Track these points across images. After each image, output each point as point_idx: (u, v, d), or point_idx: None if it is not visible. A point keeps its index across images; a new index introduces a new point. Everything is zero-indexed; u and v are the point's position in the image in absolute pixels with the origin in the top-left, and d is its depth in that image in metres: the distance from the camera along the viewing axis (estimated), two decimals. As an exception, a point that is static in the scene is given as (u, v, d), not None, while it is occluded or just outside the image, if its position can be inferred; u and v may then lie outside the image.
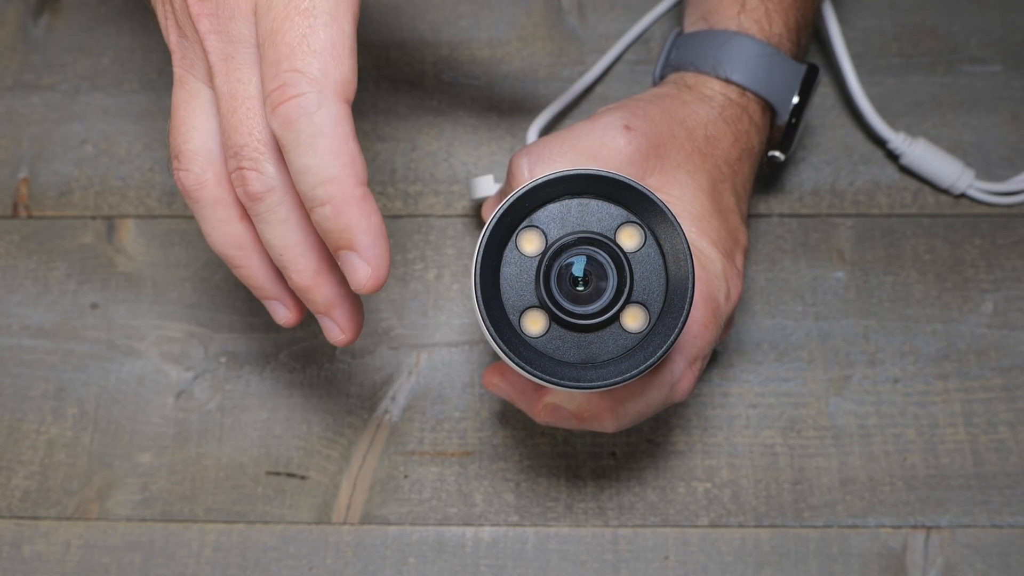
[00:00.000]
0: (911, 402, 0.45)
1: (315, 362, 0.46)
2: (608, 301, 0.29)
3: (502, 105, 0.51)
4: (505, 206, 0.29)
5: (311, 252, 0.31)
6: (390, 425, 0.45)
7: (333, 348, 0.46)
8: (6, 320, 0.47)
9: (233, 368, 0.46)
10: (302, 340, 0.46)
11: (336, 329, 0.33)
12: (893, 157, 0.49)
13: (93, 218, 0.49)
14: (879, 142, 0.49)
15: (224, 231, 0.32)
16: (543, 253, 0.29)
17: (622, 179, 0.29)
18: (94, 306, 0.47)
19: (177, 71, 0.32)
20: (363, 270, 0.29)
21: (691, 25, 0.43)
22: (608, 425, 0.36)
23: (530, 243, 0.29)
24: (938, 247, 0.48)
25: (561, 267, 0.29)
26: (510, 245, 0.30)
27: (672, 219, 0.29)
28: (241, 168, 0.30)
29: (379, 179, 0.49)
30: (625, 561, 0.42)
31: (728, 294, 0.37)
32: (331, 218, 0.28)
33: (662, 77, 0.43)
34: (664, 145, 0.37)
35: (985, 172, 0.49)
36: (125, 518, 0.43)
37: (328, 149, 0.28)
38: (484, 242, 0.29)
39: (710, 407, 0.45)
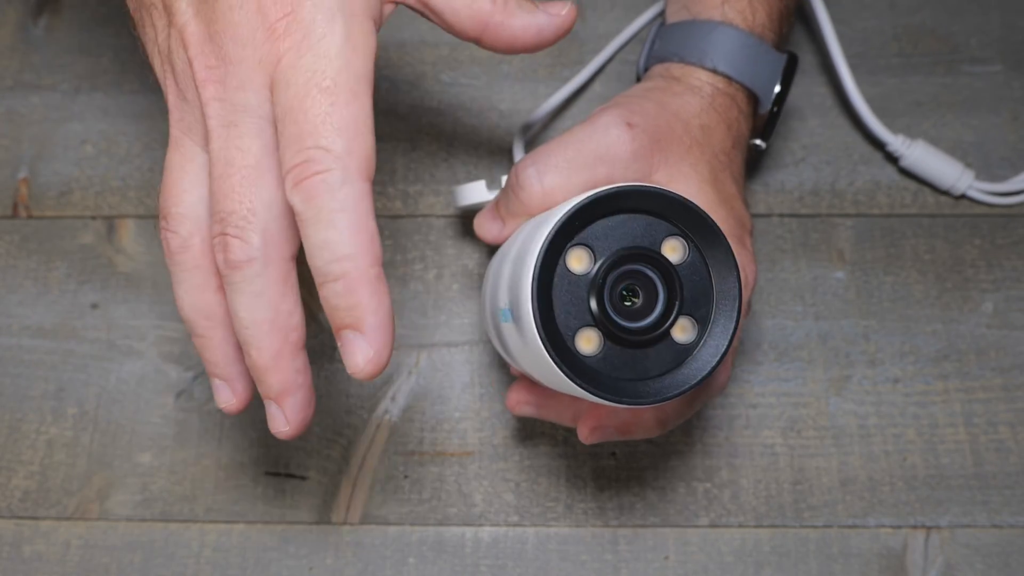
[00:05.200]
0: (911, 402, 0.45)
1: (315, 362, 0.46)
2: (660, 315, 0.29)
3: (502, 105, 0.51)
4: (558, 225, 0.28)
5: (276, 333, 0.30)
6: (390, 425, 0.45)
7: (333, 348, 0.46)
8: (6, 320, 0.47)
9: (233, 368, 0.46)
10: (302, 340, 0.46)
11: (281, 419, 0.31)
12: (893, 159, 0.49)
13: (93, 218, 0.49)
14: (878, 144, 0.49)
15: (197, 298, 0.32)
16: (594, 271, 0.29)
17: (673, 195, 0.29)
18: (94, 306, 0.47)
19: (174, 131, 0.32)
20: (364, 352, 0.28)
21: (673, 15, 0.43)
22: (653, 431, 0.37)
23: (579, 261, 0.29)
24: (938, 247, 0.48)
25: (612, 284, 0.29)
26: (559, 264, 0.29)
27: (717, 231, 0.30)
28: (226, 234, 0.29)
29: (379, 179, 0.49)
30: (625, 561, 0.42)
31: (746, 280, 0.37)
32: (342, 295, 0.28)
33: (646, 68, 0.43)
34: (664, 139, 0.37)
35: (985, 172, 0.49)
36: (125, 518, 0.43)
37: (348, 225, 0.27)
38: (539, 263, 0.28)
39: (710, 407, 0.45)
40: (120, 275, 0.48)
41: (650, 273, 0.30)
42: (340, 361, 0.46)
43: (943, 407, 0.45)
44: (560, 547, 0.43)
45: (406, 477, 0.44)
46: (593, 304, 0.29)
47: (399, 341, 0.46)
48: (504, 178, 0.41)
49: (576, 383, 0.28)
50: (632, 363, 0.29)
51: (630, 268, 0.29)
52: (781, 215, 0.49)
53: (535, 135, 0.50)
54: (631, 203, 0.29)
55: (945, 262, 0.47)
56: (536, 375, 0.33)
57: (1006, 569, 0.42)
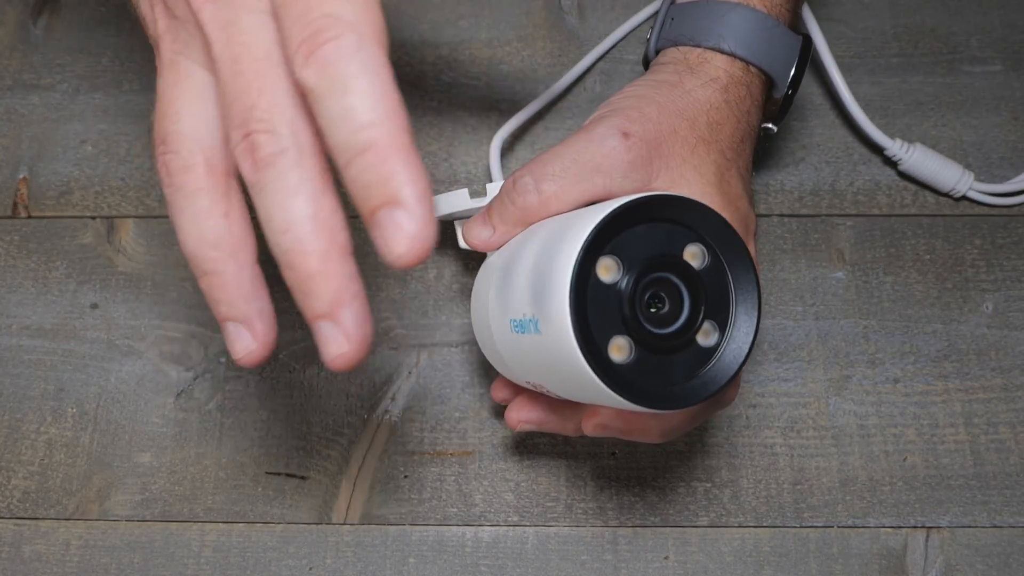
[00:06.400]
0: (911, 402, 0.45)
1: (315, 362, 0.46)
2: (686, 320, 0.30)
3: (502, 105, 0.51)
4: (592, 236, 0.29)
5: (322, 231, 0.26)
6: (390, 425, 0.45)
7: (333, 348, 0.46)
8: (6, 320, 0.47)
9: (233, 368, 0.46)
10: (302, 340, 0.46)
11: (340, 338, 0.26)
12: (892, 163, 0.49)
13: (93, 218, 0.49)
14: (877, 149, 0.49)
15: (203, 225, 0.28)
16: (624, 280, 0.30)
17: (697, 204, 0.30)
18: (94, 306, 0.47)
19: (167, 55, 0.29)
20: (406, 230, 0.24)
21: None
22: (655, 439, 0.37)
23: (607, 270, 0.30)
24: (938, 247, 0.48)
25: (640, 292, 0.30)
26: (591, 275, 0.29)
27: (736, 237, 0.31)
28: (251, 132, 0.26)
29: (379, 179, 0.49)
30: (625, 561, 0.42)
31: None
32: (373, 167, 0.24)
33: (658, 51, 0.42)
34: (666, 143, 0.37)
35: (985, 172, 0.49)
36: (125, 518, 0.43)
37: (370, 89, 0.24)
38: (575, 274, 0.29)
39: (710, 407, 0.45)
40: (120, 275, 0.48)
41: (675, 280, 0.30)
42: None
43: (943, 407, 0.45)
44: (560, 547, 0.43)
45: (406, 477, 0.44)
46: (625, 312, 0.29)
47: (399, 341, 0.46)
48: (490, 186, 0.41)
49: (614, 392, 0.29)
50: (659, 369, 0.30)
51: (657, 276, 0.30)
52: (781, 215, 0.49)
53: (513, 140, 0.50)
54: (654, 212, 0.30)
55: (945, 262, 0.47)
56: (555, 386, 0.33)
57: (1006, 569, 0.42)
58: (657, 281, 0.30)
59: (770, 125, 0.43)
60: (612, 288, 0.29)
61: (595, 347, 0.29)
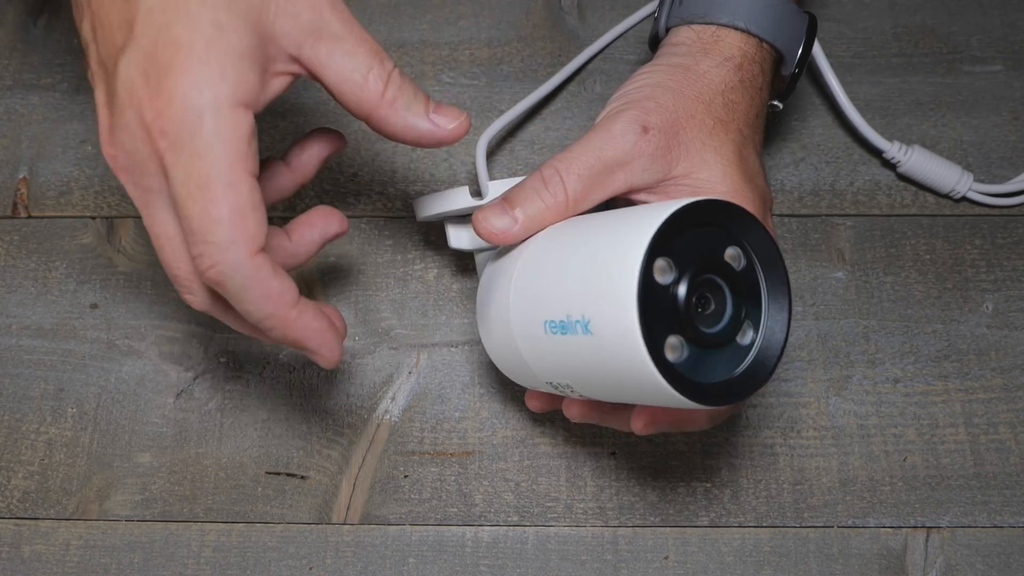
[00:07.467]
0: (911, 402, 0.45)
1: (312, 363, 0.46)
2: (730, 320, 0.32)
3: (502, 105, 0.51)
4: (655, 238, 0.29)
5: (277, 315, 0.32)
6: (390, 425, 0.45)
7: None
8: (6, 320, 0.47)
9: (233, 368, 0.46)
10: (302, 340, 0.46)
11: (322, 359, 0.34)
12: (891, 166, 0.49)
13: (93, 218, 0.49)
14: (876, 151, 0.49)
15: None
16: (677, 281, 0.31)
17: (742, 211, 0.32)
18: (94, 306, 0.47)
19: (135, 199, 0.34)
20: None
21: None
22: (705, 426, 0.39)
23: (661, 272, 0.30)
24: (938, 247, 0.48)
25: (691, 292, 0.31)
26: (650, 276, 0.30)
27: (773, 244, 0.32)
28: (181, 291, 0.34)
29: (379, 179, 0.49)
30: (625, 561, 0.42)
31: None
32: (280, 336, 0.33)
33: (668, 29, 0.42)
34: (684, 130, 0.37)
35: (985, 172, 0.49)
36: (125, 518, 0.43)
37: (256, 296, 0.31)
38: (641, 276, 0.29)
39: (710, 407, 0.45)
40: (120, 275, 0.48)
41: (720, 281, 0.32)
42: (340, 361, 0.46)
43: (943, 407, 0.45)
44: (560, 547, 0.43)
45: (406, 477, 0.44)
46: (680, 313, 0.30)
47: (399, 341, 0.46)
48: (491, 184, 0.40)
49: (676, 391, 0.29)
50: (705, 367, 0.31)
51: (705, 277, 0.31)
52: (781, 215, 0.49)
53: (513, 140, 0.50)
54: (702, 215, 0.31)
55: (945, 262, 0.48)
56: (592, 386, 0.33)
57: (1006, 569, 0.42)
58: (704, 282, 0.31)
59: (776, 103, 0.43)
60: (666, 289, 0.30)
61: (655, 347, 0.30)
